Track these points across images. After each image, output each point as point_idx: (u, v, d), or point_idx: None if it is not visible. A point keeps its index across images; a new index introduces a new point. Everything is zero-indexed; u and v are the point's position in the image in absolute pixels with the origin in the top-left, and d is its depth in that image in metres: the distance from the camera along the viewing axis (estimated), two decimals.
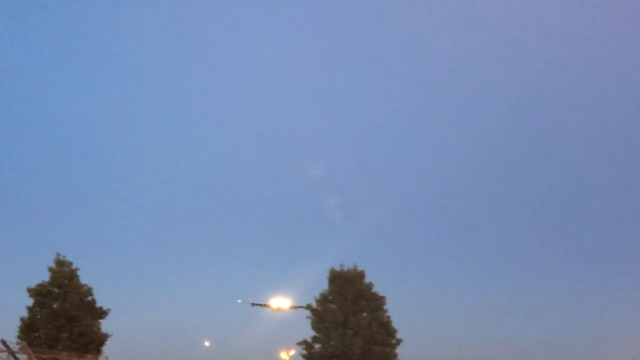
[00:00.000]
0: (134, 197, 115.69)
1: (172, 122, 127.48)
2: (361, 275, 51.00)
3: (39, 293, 50.87)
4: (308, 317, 50.92)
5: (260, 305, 63.89)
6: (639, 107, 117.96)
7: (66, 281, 51.56)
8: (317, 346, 49.96)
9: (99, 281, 55.51)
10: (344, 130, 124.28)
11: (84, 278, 52.76)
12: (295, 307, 61.16)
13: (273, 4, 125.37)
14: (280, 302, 62.97)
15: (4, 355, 45.39)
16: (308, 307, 51.72)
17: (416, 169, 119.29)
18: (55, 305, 50.85)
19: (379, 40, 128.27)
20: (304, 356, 50.13)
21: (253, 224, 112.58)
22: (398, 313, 52.52)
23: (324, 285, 51.52)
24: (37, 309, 50.76)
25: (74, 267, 52.60)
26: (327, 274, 51.64)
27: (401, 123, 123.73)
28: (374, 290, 50.81)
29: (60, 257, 52.48)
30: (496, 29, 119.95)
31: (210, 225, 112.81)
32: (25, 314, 50.64)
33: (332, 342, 49.31)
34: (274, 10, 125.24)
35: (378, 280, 51.43)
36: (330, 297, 50.87)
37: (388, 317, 50.62)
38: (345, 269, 51.34)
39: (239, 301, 65.19)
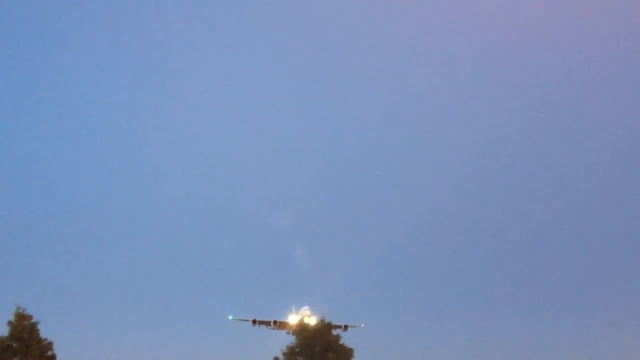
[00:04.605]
0: (96, 250, 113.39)
1: (139, 171, 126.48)
2: (329, 327, 51.21)
3: None
4: None
5: (267, 324, 54.31)
6: None
7: (26, 335, 50.10)
8: None
9: (59, 335, 54.06)
10: (314, 181, 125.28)
11: (44, 332, 51.41)
12: (335, 327, 44.81)
13: (249, 50, 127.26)
14: (305, 318, 50.85)
15: None
16: (275, 359, 51.37)
17: (388, 218, 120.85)
18: None
19: (349, 90, 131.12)
20: None
21: (221, 273, 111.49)
22: None
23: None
24: None
25: (33, 320, 51.16)
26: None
27: (371, 173, 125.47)
28: (341, 342, 51.11)
29: (21, 311, 51.04)
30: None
31: (177, 276, 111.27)
32: None
33: None
34: (247, 56, 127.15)
35: (347, 331, 51.74)
36: (297, 350, 50.81)
37: None
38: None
39: (230, 317, 56.96)
